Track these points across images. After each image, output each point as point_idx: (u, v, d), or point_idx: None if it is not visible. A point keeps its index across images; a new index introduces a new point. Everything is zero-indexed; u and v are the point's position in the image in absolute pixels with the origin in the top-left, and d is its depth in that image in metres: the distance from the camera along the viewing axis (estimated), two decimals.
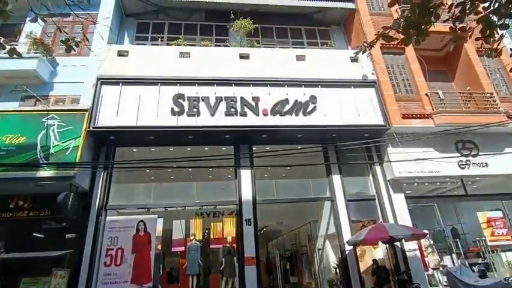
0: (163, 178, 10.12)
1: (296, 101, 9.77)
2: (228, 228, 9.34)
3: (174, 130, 9.05)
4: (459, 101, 10.75)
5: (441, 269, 9.46)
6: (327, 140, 10.08)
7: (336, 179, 10.08)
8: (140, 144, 9.72)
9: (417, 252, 9.35)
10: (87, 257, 8.22)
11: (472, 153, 10.16)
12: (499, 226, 10.10)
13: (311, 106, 9.79)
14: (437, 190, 11.61)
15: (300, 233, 13.37)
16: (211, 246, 9.45)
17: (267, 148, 9.80)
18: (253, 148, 10.10)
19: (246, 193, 9.48)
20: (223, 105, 9.47)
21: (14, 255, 7.82)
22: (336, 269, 10.04)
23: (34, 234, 9.32)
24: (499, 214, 10.37)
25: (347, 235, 9.28)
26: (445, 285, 8.76)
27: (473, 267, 8.96)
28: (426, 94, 10.55)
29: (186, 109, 9.27)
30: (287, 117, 9.58)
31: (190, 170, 9.28)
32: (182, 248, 9.01)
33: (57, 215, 8.34)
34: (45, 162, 8.13)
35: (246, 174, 9.71)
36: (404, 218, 9.53)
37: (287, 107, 9.67)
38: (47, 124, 8.63)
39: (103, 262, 7.69)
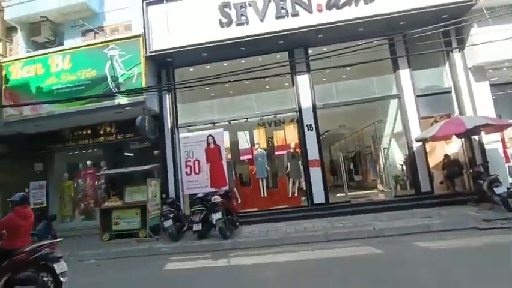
0: (222, 93, 10.41)
1: None
2: (290, 135, 9.66)
3: (224, 43, 8.80)
4: None
5: None
6: (393, 30, 8.78)
7: (405, 73, 9.13)
8: (195, 63, 9.82)
9: (498, 144, 8.59)
10: (171, 168, 9.57)
11: None
12: None
13: None
14: None
15: (364, 134, 13.19)
16: (276, 153, 10.06)
17: (324, 49, 9.02)
18: (309, 51, 9.45)
19: (305, 99, 9.33)
20: (272, 7, 8.65)
21: (115, 171, 9.48)
22: (402, 165, 9.98)
23: (126, 153, 11.00)
24: None
25: (415, 132, 8.85)
26: None
27: None
28: None
29: (234, 18, 8.75)
30: (345, 9, 8.42)
31: (246, 82, 9.25)
32: (250, 156, 9.79)
33: (138, 137, 9.53)
34: (117, 91, 8.91)
35: (303, 80, 9.40)
36: (486, 109, 8.52)
37: None
38: (109, 55, 9.12)
39: (184, 172, 8.86)
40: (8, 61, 9.79)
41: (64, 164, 11.26)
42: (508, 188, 7.01)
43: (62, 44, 10.37)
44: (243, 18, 8.72)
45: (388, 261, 4.85)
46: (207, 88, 9.44)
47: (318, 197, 8.98)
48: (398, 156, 10.32)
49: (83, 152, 11.05)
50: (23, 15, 10.35)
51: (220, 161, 8.47)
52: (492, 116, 8.27)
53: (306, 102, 9.33)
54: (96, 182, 10.48)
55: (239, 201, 9.50)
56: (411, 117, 9.01)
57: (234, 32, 8.75)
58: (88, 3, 10.10)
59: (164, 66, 9.86)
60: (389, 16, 8.28)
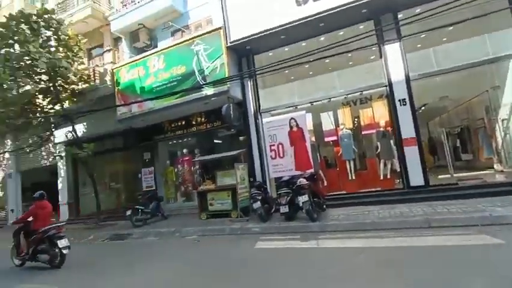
0: (303, 75, 10.14)
1: None
2: (379, 113, 8.85)
3: (302, 22, 8.48)
4: None
5: None
6: None
7: None
8: (274, 47, 9.78)
9: None
10: (256, 153, 9.90)
11: None
12: None
13: None
14: None
15: (474, 105, 11.11)
16: (363, 133, 9.37)
17: (418, 10, 7.83)
18: (399, 15, 8.35)
19: (396, 71, 8.35)
20: None
21: (207, 157, 10.33)
22: None
23: (215, 141, 11.86)
24: None
25: None
26: None
27: None
28: None
29: None
30: None
31: (327, 60, 8.78)
32: (335, 137, 9.37)
33: (225, 124, 10.12)
34: (204, 83, 9.57)
35: (393, 49, 8.39)
36: None
37: None
38: (195, 50, 9.83)
39: (269, 156, 9.05)
40: (118, 67, 11.52)
41: (166, 152, 12.83)
42: None
43: (156, 47, 11.62)
44: None
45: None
46: (286, 71, 9.33)
47: (416, 179, 8.04)
48: None
49: (180, 141, 12.36)
50: (125, 25, 11.95)
51: (304, 144, 8.33)
52: None
53: (397, 75, 8.33)
54: (192, 168, 11.66)
55: (325, 184, 9.25)
56: None
57: (311, 8, 8.34)
58: (174, 4, 11.00)
59: (244, 54, 10.13)
60: None
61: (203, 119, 11.03)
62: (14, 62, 10.37)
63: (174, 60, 10.21)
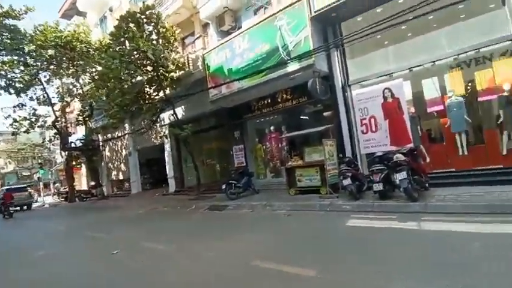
0: (400, 38, 8.88)
1: None
2: (502, 74, 7.18)
3: None
4: None
5: None
6: None
7: None
8: (364, 10, 8.83)
9: None
10: (345, 128, 9.39)
11: None
12: None
13: None
14: None
15: None
16: (479, 99, 7.79)
17: None
18: None
19: None
20: None
21: (294, 134, 10.32)
22: None
23: (301, 117, 11.71)
24: None
25: None
26: None
27: None
28: None
29: None
30: None
31: (430, 17, 7.49)
32: (441, 107, 8.05)
33: (311, 100, 9.83)
34: (288, 58, 9.40)
35: None
36: None
37: None
38: (278, 26, 9.66)
39: (360, 131, 8.48)
40: (207, 52, 12.26)
41: (254, 130, 13.34)
42: None
43: (241, 27, 11.89)
44: None
45: None
46: (379, 36, 8.36)
47: None
48: None
49: (267, 118, 12.64)
50: (212, 11, 12.52)
51: (401, 116, 7.49)
52: None
53: None
54: (280, 144, 11.86)
55: (428, 160, 8.13)
56: None
57: None
58: None
59: (330, 23, 9.47)
60: None
61: (289, 96, 10.96)
62: (127, 57, 12.10)
63: (258, 38, 10.28)
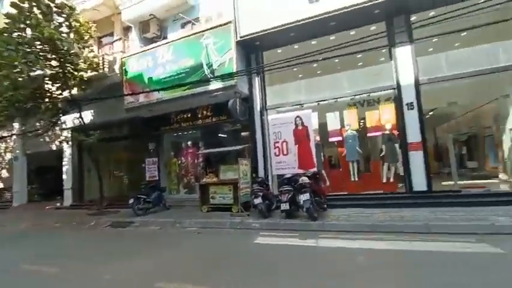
0: (311, 73, 10.11)
1: None
2: (385, 115, 8.80)
3: (313, 20, 8.43)
4: None
5: None
6: None
7: None
8: (283, 44, 9.75)
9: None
10: (260, 149, 9.93)
11: None
12: None
13: None
14: None
15: (483, 113, 11.01)
16: (368, 135, 9.33)
17: (432, 13, 7.76)
18: (412, 18, 8.25)
19: (406, 74, 8.28)
20: None
21: (211, 150, 10.39)
22: None
23: (220, 135, 11.90)
24: None
25: None
26: None
27: None
28: None
29: None
30: None
31: (336, 60, 8.73)
32: (340, 138, 9.35)
33: (230, 119, 10.15)
34: (212, 76, 9.59)
35: (403, 52, 8.31)
36: None
37: None
38: (204, 44, 9.83)
39: (273, 153, 9.06)
40: (127, 57, 11.56)
41: (170, 143, 12.92)
42: None
43: (166, 38, 11.64)
44: None
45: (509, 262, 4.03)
46: (295, 69, 9.30)
47: (419, 184, 8.01)
48: None
49: (185, 133, 12.43)
50: (136, 15, 11.97)
51: (308, 143, 8.33)
52: None
53: (407, 78, 8.26)
54: (195, 160, 11.73)
55: (327, 183, 9.26)
56: None
57: (324, 6, 8.28)
58: None
59: (253, 50, 10.10)
60: None
61: (209, 113, 11.07)
62: (26, 46, 10.46)
63: (183, 52, 10.23)
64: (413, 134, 8.12)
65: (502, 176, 9.60)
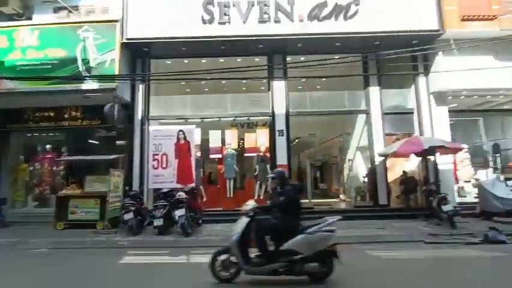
0: (198, 90, 10.35)
1: (336, 4, 8.71)
2: (261, 139, 9.80)
3: (205, 40, 8.77)
4: None
5: (473, 181, 9.50)
6: (368, 49, 9.25)
7: (374, 91, 9.63)
8: (173, 56, 9.70)
9: (451, 166, 9.32)
10: (137, 161, 9.34)
11: None
12: None
13: (353, 9, 8.71)
14: (486, 104, 10.71)
15: (332, 145, 13.71)
16: (245, 155, 10.17)
17: (302, 58, 9.30)
18: (288, 58, 9.67)
19: (279, 105, 9.52)
20: (255, 11, 8.77)
21: (77, 158, 9.08)
22: (364, 178, 10.49)
23: (90, 141, 10.55)
24: None
25: (378, 147, 9.35)
26: (475, 197, 8.93)
27: (507, 182, 8.85)
28: None
29: (217, 17, 8.76)
30: (325, 22, 8.72)
31: (223, 81, 9.31)
32: (220, 155, 9.82)
33: (106, 124, 9.19)
34: (87, 75, 8.55)
35: (279, 86, 9.58)
36: (443, 132, 9.22)
37: (326, 11, 8.71)
38: (83, 37, 8.74)
39: (151, 165, 8.68)
40: None
41: (21, 144, 10.55)
42: (454, 207, 7.64)
43: (30, 19, 9.74)
44: (226, 17, 8.76)
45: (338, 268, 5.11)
46: (182, 83, 9.37)
47: None
48: (361, 169, 10.83)
49: (44, 134, 10.46)
50: None
51: (189, 158, 8.40)
52: (448, 139, 8.95)
53: (280, 108, 9.52)
54: (55, 168, 9.94)
55: (204, 199, 9.47)
56: (376, 133, 9.51)
57: (216, 30, 8.76)
58: None
59: (140, 55, 9.61)
60: (364, 35, 8.70)
61: (79, 114, 9.73)
62: None
63: (53, 40, 8.78)
64: (282, 157, 9.33)
65: (342, 196, 12.07)
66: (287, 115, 9.51)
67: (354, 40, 8.92)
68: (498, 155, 10.42)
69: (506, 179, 9.22)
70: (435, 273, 4.58)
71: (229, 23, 8.77)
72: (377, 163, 9.44)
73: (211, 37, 8.73)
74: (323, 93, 10.21)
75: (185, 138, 8.56)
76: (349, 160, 11.48)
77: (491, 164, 10.32)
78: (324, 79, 9.62)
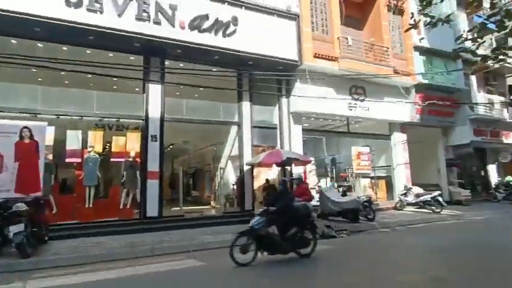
0: (54, 81, 8.72)
1: (217, 19, 9.18)
2: (131, 143, 9.09)
3: (68, 25, 7.55)
4: (362, 49, 11.89)
5: (316, 188, 11.63)
6: (243, 67, 10.13)
7: (246, 105, 10.54)
8: (23, 36, 7.89)
9: (302, 175, 11.15)
10: None
11: (360, 98, 11.88)
12: (364, 158, 12.71)
13: (232, 28, 9.40)
14: (328, 126, 13.47)
15: (206, 153, 14.07)
16: (112, 160, 9.19)
17: (181, 65, 9.31)
18: (166, 63, 9.44)
19: (154, 109, 9.13)
20: (133, 6, 8.22)
21: None
22: (234, 185, 11.24)
23: None
24: (367, 149, 12.95)
25: (247, 157, 10.25)
26: (317, 201, 10.93)
27: (339, 188, 11.32)
28: (338, 38, 11.31)
29: (86, 1, 7.73)
30: (206, 35, 9.04)
31: (89, 76, 8.20)
32: (79, 160, 8.49)
33: None
34: None
35: (155, 89, 9.20)
36: (298, 146, 10.99)
37: (207, 24, 9.04)
38: None
39: None
40: None
41: None
42: None
43: None
44: (97, 5, 7.84)
45: (208, 272, 5.30)
46: (34, 70, 7.72)
47: (152, 210, 8.75)
48: (231, 177, 11.56)
49: None
50: None
51: (36, 161, 6.93)
52: (301, 152, 10.71)
53: (155, 112, 9.13)
54: None
55: (54, 211, 7.93)
56: (246, 144, 10.40)
57: (83, 16, 7.69)
58: None
59: None
60: (240, 54, 9.49)
61: None
62: None
63: None
64: (153, 164, 8.92)
65: (213, 203, 12.51)
66: (162, 120, 9.21)
67: (231, 56, 9.58)
68: (334, 167, 13.22)
69: (339, 186, 11.79)
70: (286, 267, 5.37)
71: (101, 12, 7.88)
72: (245, 171, 10.29)
73: (75, 23, 7.59)
74: (200, 102, 10.44)
75: (31, 136, 7.02)
76: (221, 168, 12.05)
77: (329, 174, 12.96)
78: (202, 88, 9.88)
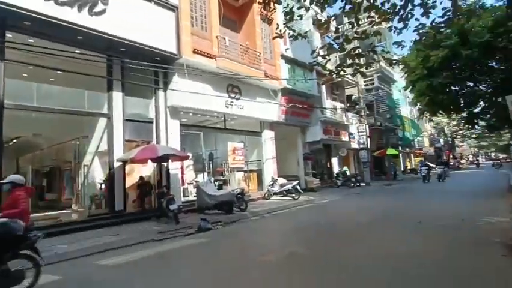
0: None
1: None
2: None
3: None
4: (238, 51, 12.66)
5: (194, 183, 11.76)
6: (113, 52, 9.15)
7: (117, 96, 9.58)
8: None
9: (179, 171, 11.03)
10: None
11: (236, 96, 12.65)
12: (239, 154, 13.64)
13: (101, 6, 8.31)
14: (206, 122, 13.73)
15: (65, 148, 11.96)
16: None
17: (31, 41, 7.63)
18: (8, 35, 7.52)
19: None
20: None
21: None
22: (101, 184, 10.05)
23: None
24: (241, 145, 13.94)
25: (118, 153, 9.36)
26: (194, 196, 11.05)
27: (215, 182, 11.78)
28: (217, 36, 11.68)
29: None
30: (66, 9, 7.67)
31: None
32: None
33: None
34: None
35: None
36: (175, 142, 10.77)
37: None
38: None
39: None
40: None
41: None
42: (179, 206, 9.08)
43: None
44: None
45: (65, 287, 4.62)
46: None
47: None
48: (98, 175, 10.27)
49: None
50: None
51: None
52: (178, 148, 10.55)
53: None
54: None
55: None
56: (116, 138, 9.45)
57: None
58: None
59: None
60: (110, 37, 8.51)
61: None
62: None
63: None
64: None
65: (74, 206, 10.75)
66: (1, 107, 7.33)
67: (100, 39, 8.47)
68: (211, 162, 13.64)
69: (215, 180, 12.25)
70: (156, 265, 5.25)
71: None
72: (115, 168, 9.36)
73: None
74: (57, 88, 8.82)
75: None
76: (85, 166, 10.53)
77: (207, 169, 13.30)
78: (60, 72, 8.35)
